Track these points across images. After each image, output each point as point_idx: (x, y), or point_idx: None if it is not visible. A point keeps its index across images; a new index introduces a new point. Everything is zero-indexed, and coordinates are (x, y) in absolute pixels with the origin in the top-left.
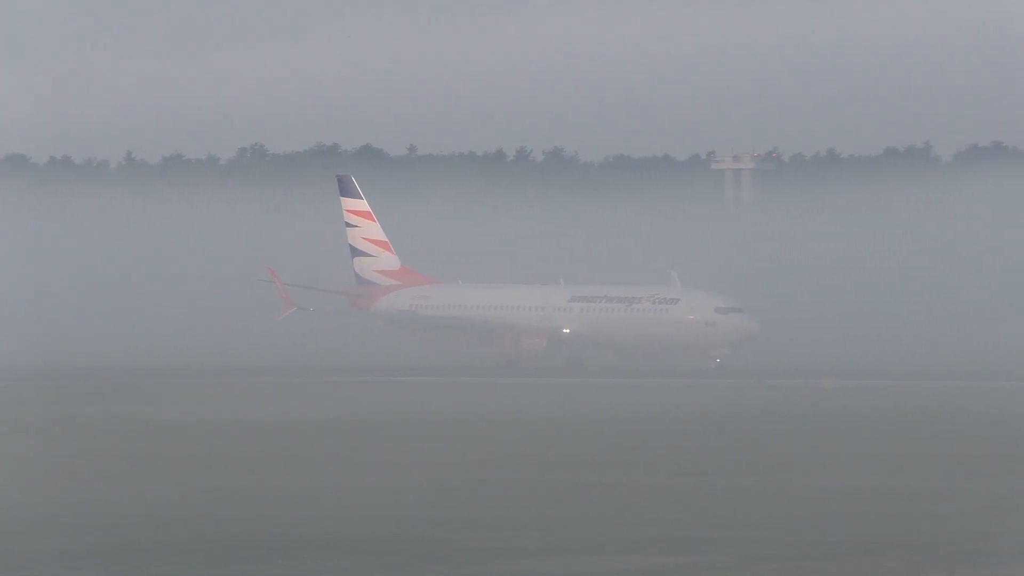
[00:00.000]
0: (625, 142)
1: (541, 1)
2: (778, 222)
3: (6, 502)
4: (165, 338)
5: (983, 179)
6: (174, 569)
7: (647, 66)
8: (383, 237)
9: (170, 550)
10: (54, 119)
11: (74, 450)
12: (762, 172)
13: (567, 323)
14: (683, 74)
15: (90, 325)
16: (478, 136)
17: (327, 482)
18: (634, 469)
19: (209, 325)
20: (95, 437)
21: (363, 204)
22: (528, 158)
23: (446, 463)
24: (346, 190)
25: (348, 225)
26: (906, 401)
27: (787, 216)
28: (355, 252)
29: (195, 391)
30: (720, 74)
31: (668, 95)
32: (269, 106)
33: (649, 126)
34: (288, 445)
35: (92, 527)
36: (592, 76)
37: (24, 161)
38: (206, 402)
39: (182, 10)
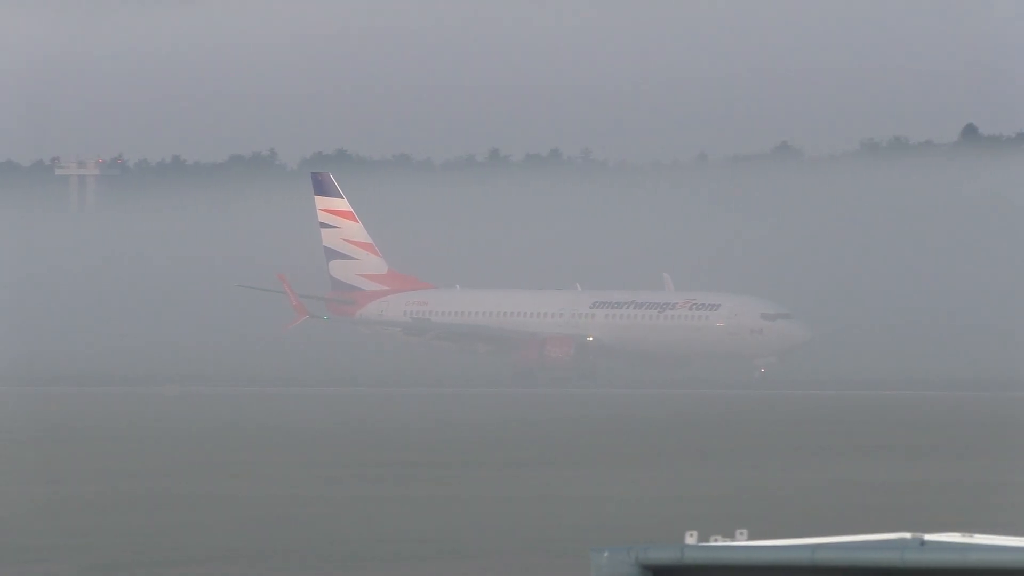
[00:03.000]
0: None
1: None
2: (122, 226)
3: None
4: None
5: None
6: None
7: None
8: (367, 239)
9: None
10: None
11: None
12: (108, 178)
13: (591, 330)
14: (26, 81)
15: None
16: None
17: None
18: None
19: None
20: None
21: (343, 203)
22: None
23: None
24: (322, 188)
25: (324, 226)
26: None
27: (132, 221)
28: (332, 255)
29: None
30: (64, 81)
31: (5, 102)
32: None
33: None
34: None
35: None
36: None
37: None
38: None
39: None
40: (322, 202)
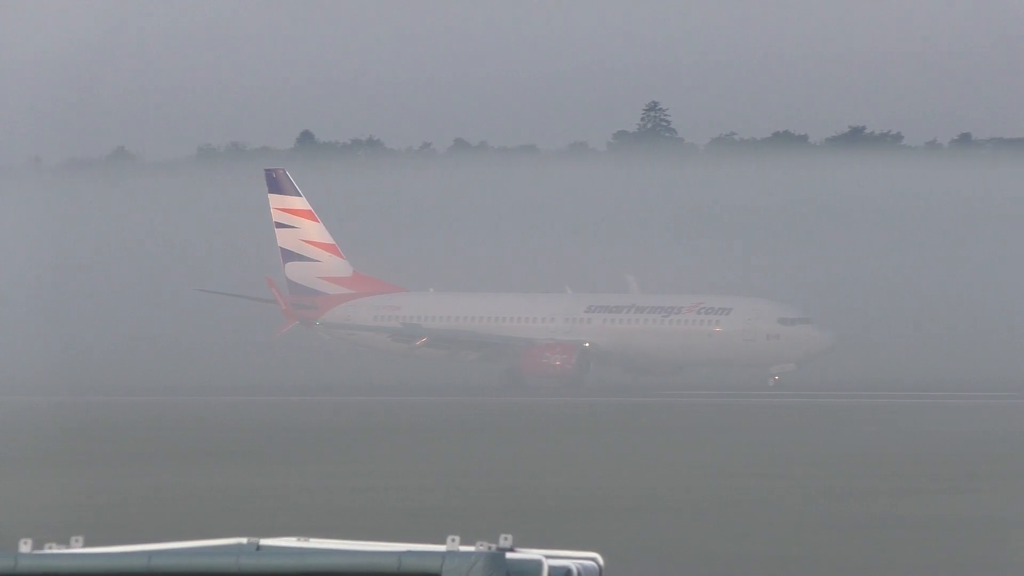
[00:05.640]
0: None
1: None
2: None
3: None
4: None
5: None
6: None
7: None
8: (329, 239)
9: None
10: None
11: None
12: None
13: (587, 336)
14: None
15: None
16: None
17: None
18: None
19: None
20: None
21: (301, 202)
22: None
23: None
24: (277, 186)
25: (280, 226)
26: None
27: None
28: (289, 256)
29: None
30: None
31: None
32: None
33: None
34: None
35: None
36: None
37: None
38: None
39: None
40: (278, 201)
